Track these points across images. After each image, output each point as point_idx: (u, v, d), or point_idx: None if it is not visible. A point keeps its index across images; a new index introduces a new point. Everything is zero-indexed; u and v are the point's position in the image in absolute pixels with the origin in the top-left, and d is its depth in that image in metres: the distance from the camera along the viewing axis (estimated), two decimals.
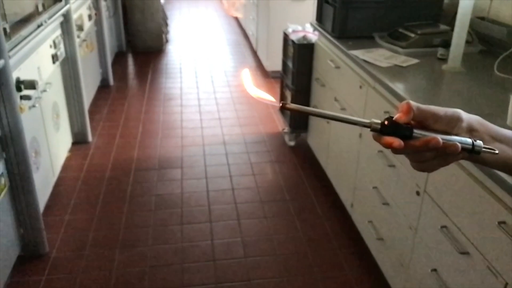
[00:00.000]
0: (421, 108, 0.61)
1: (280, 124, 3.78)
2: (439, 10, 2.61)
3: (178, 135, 3.63)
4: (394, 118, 0.60)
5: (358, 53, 2.28)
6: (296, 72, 3.14)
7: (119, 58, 5.40)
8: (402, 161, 1.88)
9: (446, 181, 1.55)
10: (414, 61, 2.20)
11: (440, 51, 2.23)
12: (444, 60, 2.20)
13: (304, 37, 3.06)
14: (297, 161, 3.27)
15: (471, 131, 0.63)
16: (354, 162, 2.39)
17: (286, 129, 3.51)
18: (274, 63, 4.52)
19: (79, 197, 2.79)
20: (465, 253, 1.45)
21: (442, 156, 0.62)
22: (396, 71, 2.10)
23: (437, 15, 2.59)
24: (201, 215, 2.65)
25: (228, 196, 2.84)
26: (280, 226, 2.57)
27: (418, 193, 1.75)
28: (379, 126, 0.60)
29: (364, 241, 2.30)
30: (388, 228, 2.05)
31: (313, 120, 3.19)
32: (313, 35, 3.04)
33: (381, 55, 2.26)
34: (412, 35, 2.36)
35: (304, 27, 3.21)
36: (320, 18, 2.89)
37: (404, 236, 1.88)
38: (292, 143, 3.48)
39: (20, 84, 2.18)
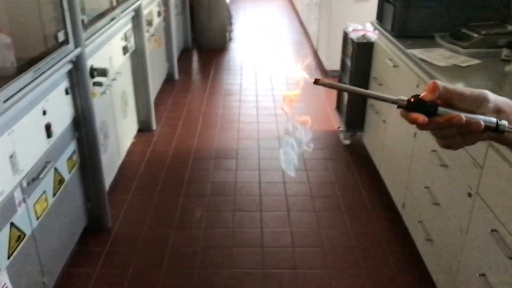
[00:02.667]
0: (447, 87, 0.64)
1: (336, 123, 3.80)
2: (507, 10, 2.53)
3: (235, 128, 3.76)
4: (420, 96, 0.64)
5: (417, 52, 2.27)
6: (354, 70, 3.15)
7: (184, 54, 5.64)
8: (455, 161, 1.86)
9: (500, 183, 1.53)
10: (475, 61, 2.16)
11: (505, 52, 2.17)
12: (508, 61, 2.14)
13: (364, 36, 3.07)
14: (351, 159, 3.28)
15: (498, 112, 0.65)
16: (408, 161, 2.38)
17: (342, 128, 3.53)
18: (334, 62, 4.52)
19: (141, 180, 2.98)
20: None
21: (466, 133, 0.64)
22: (454, 71, 2.08)
23: (505, 16, 2.52)
24: (252, 204, 2.75)
25: (279, 188, 2.92)
26: (329, 221, 2.61)
27: (470, 195, 1.73)
28: (405, 103, 0.64)
29: (413, 241, 2.29)
30: (438, 229, 2.03)
31: (369, 119, 3.19)
32: (372, 34, 3.04)
33: (440, 55, 2.24)
34: (476, 35, 2.31)
35: (365, 26, 3.21)
36: (380, 17, 2.89)
37: (453, 238, 1.86)
38: (347, 142, 3.49)
39: (94, 71, 2.38)
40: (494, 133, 0.64)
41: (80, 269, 2.22)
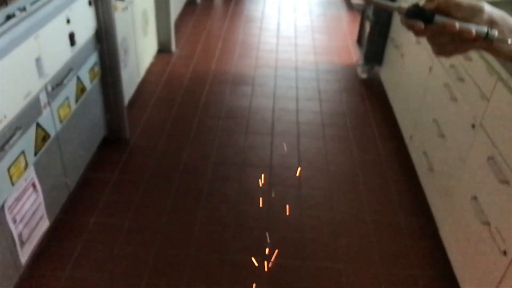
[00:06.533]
0: None
1: (355, 57, 3.78)
2: None
3: (254, 55, 3.78)
4: (420, 5, 0.69)
5: None
6: None
7: None
8: (464, 94, 1.90)
9: (503, 115, 1.57)
10: None
11: None
12: None
13: None
14: (366, 93, 3.31)
15: (491, 23, 0.70)
16: (420, 95, 2.41)
17: (360, 61, 3.52)
18: None
19: (159, 99, 3.08)
20: (505, 182, 1.50)
21: (459, 41, 0.70)
22: None
23: None
24: (264, 128, 2.85)
25: (291, 116, 2.99)
26: (336, 148, 2.70)
27: (473, 126, 1.78)
28: (405, 10, 0.69)
29: (415, 171, 2.38)
30: (439, 159, 2.11)
31: (388, 53, 3.18)
32: None
33: None
34: None
35: None
36: None
37: (453, 167, 1.94)
38: (364, 76, 3.50)
39: None
40: (485, 42, 0.69)
41: (99, 174, 2.38)
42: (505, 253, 1.47)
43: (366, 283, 1.90)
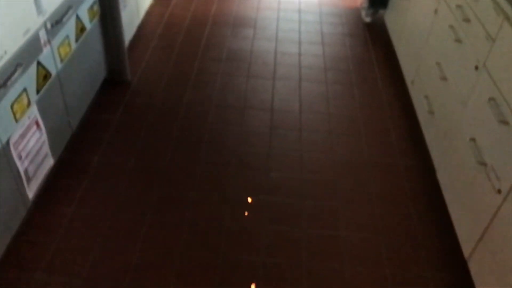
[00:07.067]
0: None
1: (359, 0, 3.68)
2: None
3: None
4: None
5: None
6: None
7: None
8: (469, 36, 1.87)
9: (508, 56, 1.56)
10: None
11: None
12: None
13: None
14: (369, 37, 3.26)
15: None
16: (425, 38, 2.38)
17: (364, 5, 3.43)
18: None
19: (159, 41, 3.04)
20: (504, 122, 1.52)
21: None
22: None
23: None
24: (266, 72, 2.83)
25: (294, 59, 2.96)
26: (338, 92, 2.70)
27: (476, 68, 1.77)
28: None
29: (415, 115, 2.39)
30: (440, 102, 2.11)
31: None
32: None
33: None
34: None
35: None
36: None
37: (453, 109, 1.95)
38: (368, 19, 3.43)
39: None
40: None
41: (101, 115, 2.40)
42: (499, 191, 1.50)
43: (362, 220, 1.96)
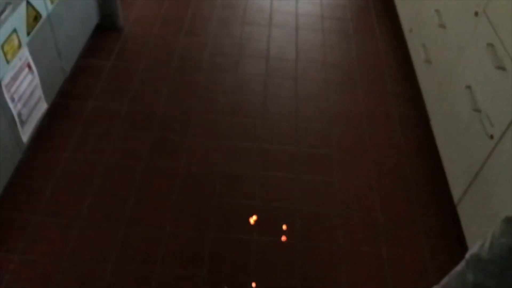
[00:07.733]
0: None
1: None
2: None
3: None
4: None
5: None
6: None
7: None
8: None
9: (509, 0, 1.53)
10: None
11: None
12: None
13: None
14: None
15: None
16: None
17: None
18: None
19: None
20: (501, 68, 1.51)
21: None
22: None
23: None
24: (262, 19, 2.77)
25: (291, 6, 2.89)
26: (334, 41, 2.66)
27: (476, 14, 1.74)
28: None
29: (412, 64, 2.37)
30: (438, 50, 2.09)
31: None
32: None
33: None
34: None
35: None
36: None
37: (450, 57, 1.93)
38: None
39: None
40: None
41: (94, 60, 2.36)
42: (492, 137, 1.52)
43: (356, 169, 1.99)
